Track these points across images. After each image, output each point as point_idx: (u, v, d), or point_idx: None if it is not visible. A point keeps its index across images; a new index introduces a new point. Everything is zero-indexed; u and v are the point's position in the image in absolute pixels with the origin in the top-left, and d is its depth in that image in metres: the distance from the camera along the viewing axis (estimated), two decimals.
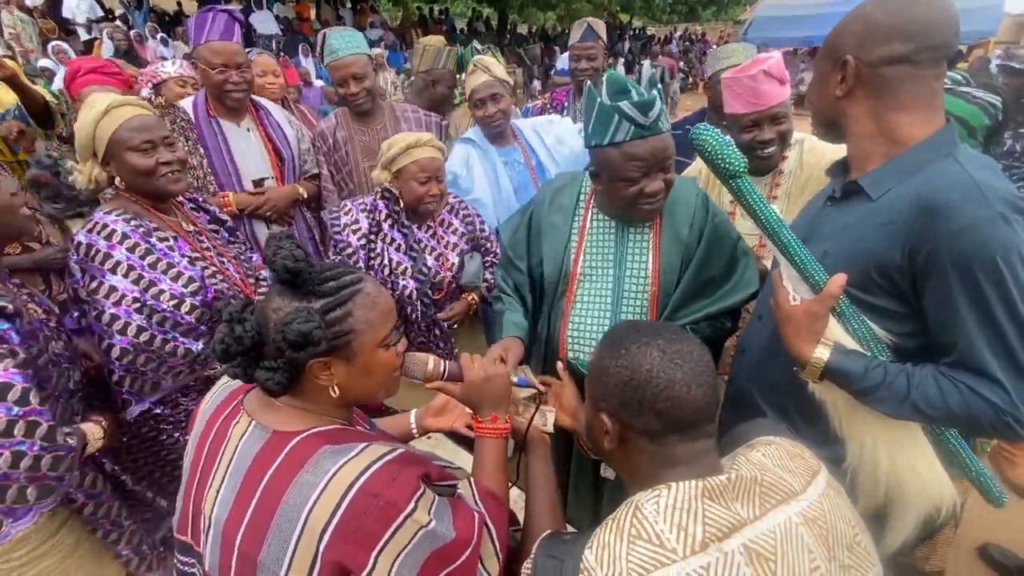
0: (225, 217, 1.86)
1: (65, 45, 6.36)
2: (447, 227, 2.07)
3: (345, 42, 2.33)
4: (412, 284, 1.95)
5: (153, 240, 1.48)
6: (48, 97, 3.11)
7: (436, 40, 3.03)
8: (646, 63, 8.98)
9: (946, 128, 0.97)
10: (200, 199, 1.84)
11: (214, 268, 1.61)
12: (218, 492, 0.86)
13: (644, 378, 0.77)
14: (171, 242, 1.52)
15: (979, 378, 0.89)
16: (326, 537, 0.76)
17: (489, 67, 2.23)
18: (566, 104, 3.02)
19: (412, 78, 3.01)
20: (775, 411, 1.21)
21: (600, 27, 2.90)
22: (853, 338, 0.99)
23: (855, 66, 0.98)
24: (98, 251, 1.42)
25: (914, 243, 0.91)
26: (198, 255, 1.58)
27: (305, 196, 2.38)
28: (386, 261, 1.95)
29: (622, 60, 15.14)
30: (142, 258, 1.44)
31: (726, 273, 1.49)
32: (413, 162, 1.85)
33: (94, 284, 1.42)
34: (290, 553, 0.77)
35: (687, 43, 20.59)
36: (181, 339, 1.50)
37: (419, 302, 1.97)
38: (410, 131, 2.45)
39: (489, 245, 2.18)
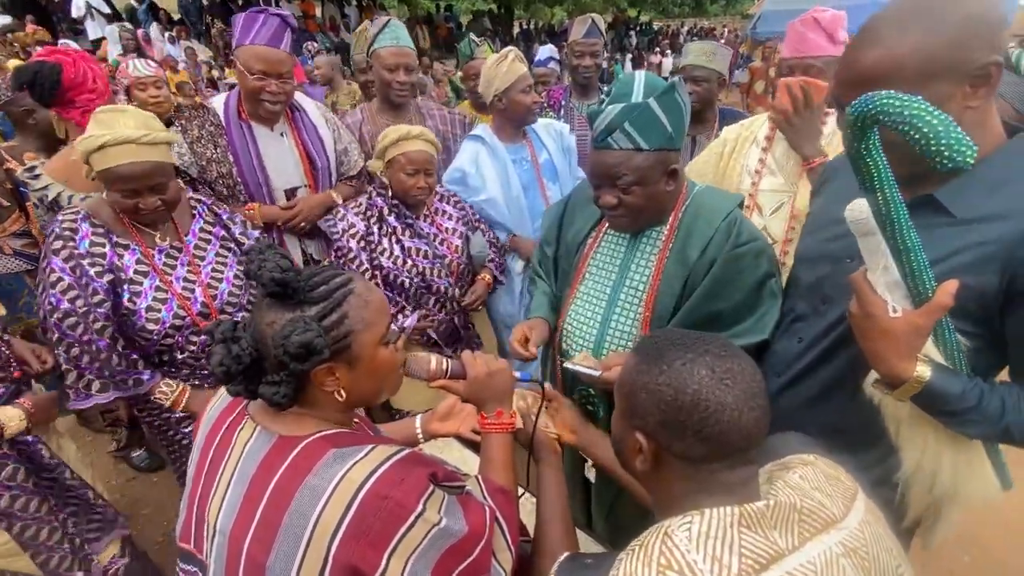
0: (243, 239, 1.77)
1: (73, 43, 6.38)
2: (443, 215, 2.12)
3: (404, 33, 2.37)
4: (425, 263, 1.98)
5: (77, 245, 1.47)
6: None
7: (362, 25, 2.89)
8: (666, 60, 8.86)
9: (1022, 136, 0.91)
10: (225, 212, 1.77)
11: (161, 285, 1.57)
12: (223, 499, 0.85)
13: (690, 400, 0.70)
14: (105, 249, 1.50)
15: None
16: (337, 540, 0.75)
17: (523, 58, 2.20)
18: (563, 102, 2.92)
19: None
20: (823, 434, 1.14)
21: (601, 24, 2.85)
22: (941, 351, 0.92)
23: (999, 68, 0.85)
24: (44, 254, 1.47)
25: (1019, 266, 0.86)
26: (144, 268, 1.54)
27: (340, 202, 2.17)
28: (396, 251, 1.96)
29: (629, 56, 15.03)
30: (65, 261, 1.45)
31: (741, 311, 1.31)
32: (402, 154, 1.88)
33: (41, 286, 1.48)
34: (299, 558, 0.76)
35: (694, 37, 20.42)
36: (84, 344, 1.48)
37: (440, 280, 2.00)
38: (435, 128, 2.46)
39: (483, 227, 2.23)
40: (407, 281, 1.96)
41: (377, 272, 1.97)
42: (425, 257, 1.98)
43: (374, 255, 1.95)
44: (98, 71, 2.02)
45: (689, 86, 2.41)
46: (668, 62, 14.52)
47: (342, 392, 0.87)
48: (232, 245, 1.75)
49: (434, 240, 2.03)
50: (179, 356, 1.63)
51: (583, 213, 1.55)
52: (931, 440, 0.97)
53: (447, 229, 2.09)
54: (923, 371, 0.89)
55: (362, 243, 1.94)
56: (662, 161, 1.26)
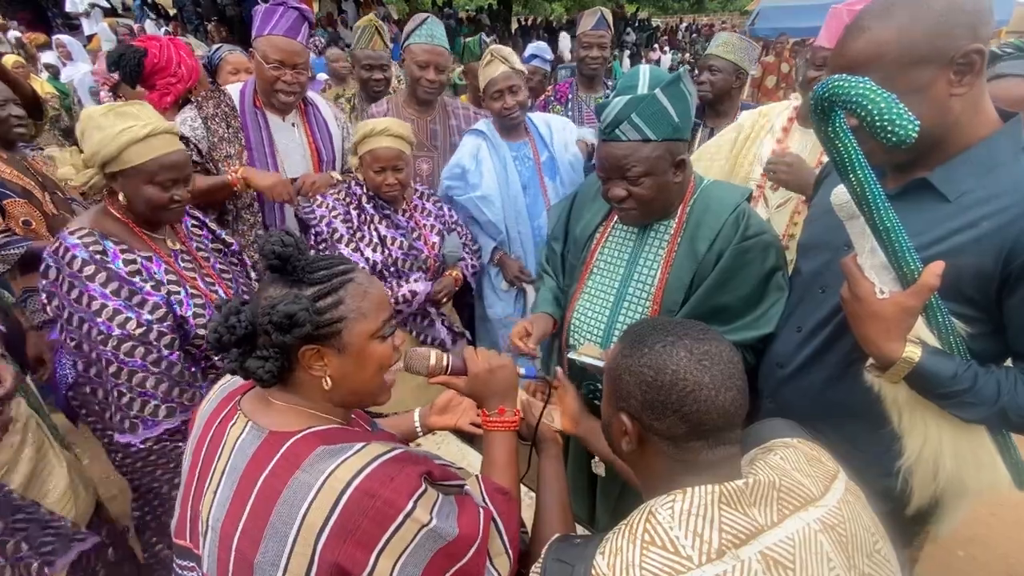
0: (230, 240, 1.76)
1: (67, 38, 6.36)
2: (421, 211, 2.15)
3: (441, 31, 2.39)
4: (400, 253, 1.99)
5: (113, 266, 1.38)
6: (44, 91, 3.06)
7: (366, 18, 2.92)
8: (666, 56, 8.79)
9: (1017, 120, 0.92)
10: (208, 219, 1.74)
11: (193, 290, 1.52)
12: (215, 494, 0.85)
13: (669, 379, 0.73)
14: (138, 264, 1.43)
15: None
16: (323, 538, 0.74)
17: (507, 57, 2.18)
18: (570, 96, 2.94)
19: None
20: (827, 424, 1.15)
21: (609, 16, 2.87)
22: (935, 334, 0.93)
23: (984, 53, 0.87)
24: (64, 278, 1.37)
25: (1013, 247, 0.87)
26: (173, 276, 1.49)
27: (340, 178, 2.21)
28: (376, 239, 1.97)
29: (627, 52, 14.98)
30: (103, 285, 1.36)
31: (748, 304, 1.33)
32: (368, 152, 1.89)
33: (66, 314, 1.39)
34: (286, 555, 0.76)
35: (693, 34, 20.37)
36: (149, 367, 1.39)
37: (413, 274, 2.01)
38: (458, 127, 2.49)
39: (460, 230, 2.24)
40: (385, 272, 1.98)
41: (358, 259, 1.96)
42: (400, 248, 1.99)
43: (358, 239, 1.95)
44: (186, 59, 2.14)
45: (705, 75, 2.45)
46: (667, 59, 14.48)
47: (328, 380, 0.86)
48: (222, 247, 1.73)
49: (411, 233, 2.04)
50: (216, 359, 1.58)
51: (591, 208, 1.56)
52: (932, 427, 0.97)
53: (425, 226, 2.10)
54: (912, 352, 0.90)
55: (347, 223, 1.95)
56: (670, 151, 1.28)
